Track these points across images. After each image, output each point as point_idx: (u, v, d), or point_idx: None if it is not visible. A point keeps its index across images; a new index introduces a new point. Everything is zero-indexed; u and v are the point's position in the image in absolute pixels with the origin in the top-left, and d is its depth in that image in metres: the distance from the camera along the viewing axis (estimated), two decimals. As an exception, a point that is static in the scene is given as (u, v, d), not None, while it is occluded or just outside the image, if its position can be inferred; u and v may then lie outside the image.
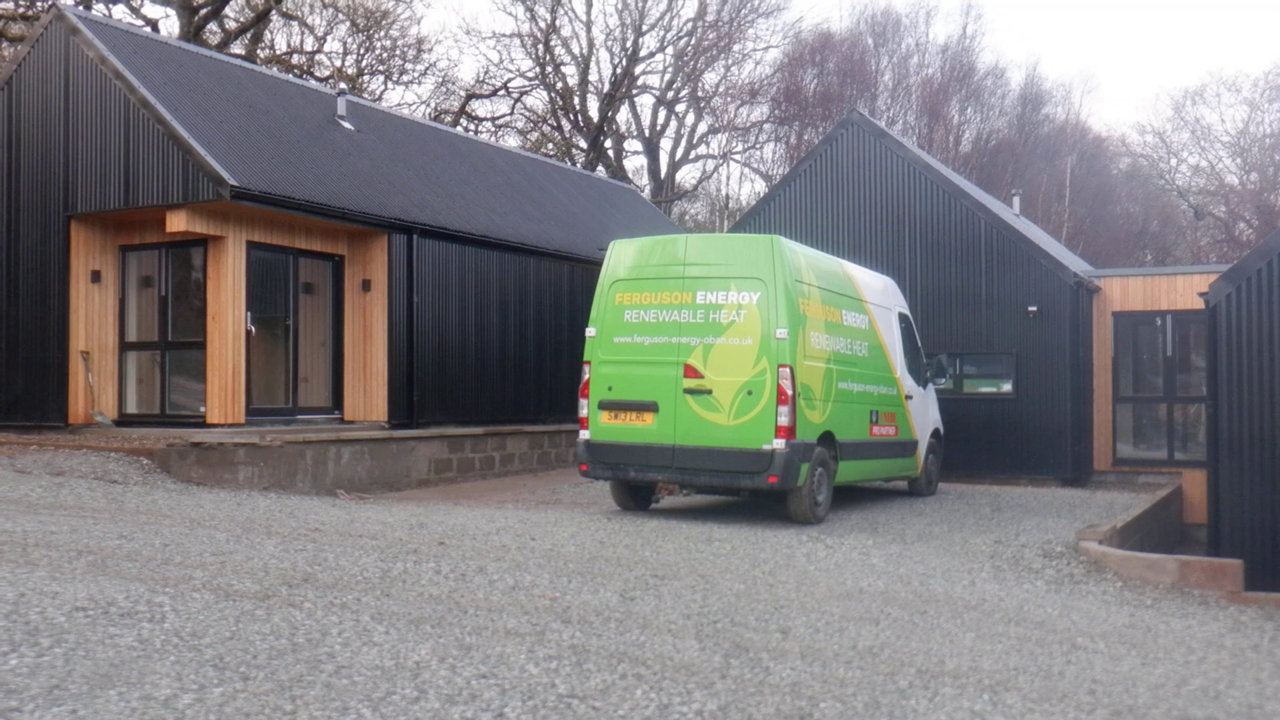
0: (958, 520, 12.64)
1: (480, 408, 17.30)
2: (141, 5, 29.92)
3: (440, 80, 37.77)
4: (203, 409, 14.15)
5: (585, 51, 39.77)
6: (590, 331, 11.96)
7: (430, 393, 16.35)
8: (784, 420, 10.93)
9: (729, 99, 42.36)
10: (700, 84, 41.81)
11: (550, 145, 39.55)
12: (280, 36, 34.99)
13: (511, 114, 39.17)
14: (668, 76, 41.66)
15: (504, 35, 46.39)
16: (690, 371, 11.33)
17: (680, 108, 43.01)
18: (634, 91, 41.14)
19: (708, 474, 11.40)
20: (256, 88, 16.97)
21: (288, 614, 5.99)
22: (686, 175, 45.01)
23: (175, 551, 7.70)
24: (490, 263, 17.65)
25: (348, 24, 34.04)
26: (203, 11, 28.85)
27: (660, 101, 42.26)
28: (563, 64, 39.69)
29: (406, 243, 16.00)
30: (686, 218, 45.64)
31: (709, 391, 11.22)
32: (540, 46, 38.62)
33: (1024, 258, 18.93)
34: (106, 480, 11.64)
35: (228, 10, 31.33)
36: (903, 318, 14.92)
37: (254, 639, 5.44)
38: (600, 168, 38.64)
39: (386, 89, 36.03)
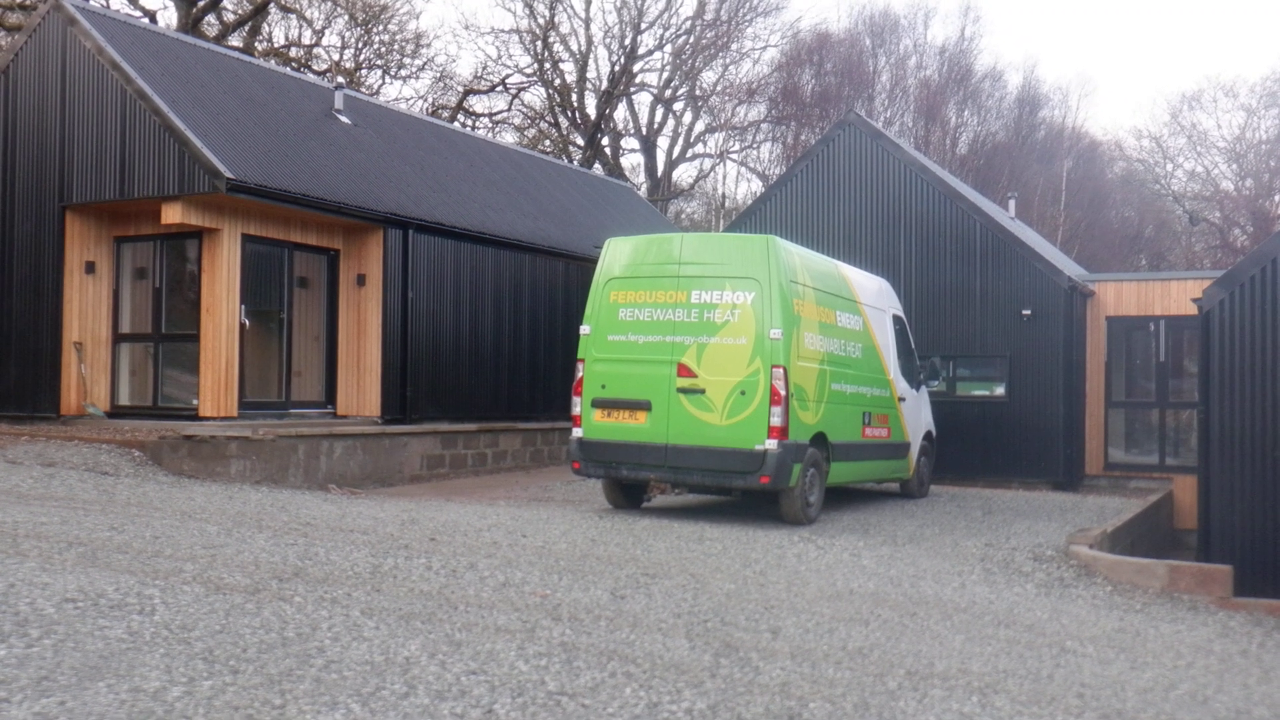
0: (949, 523, 12.66)
1: (473, 404, 17.29)
2: (139, -4, 29.83)
3: (438, 75, 37.74)
4: (195, 402, 14.13)
5: (583, 48, 39.78)
6: (584, 329, 11.95)
7: (423, 388, 16.34)
8: (777, 421, 10.94)
9: (726, 98, 42.38)
10: (698, 83, 41.82)
11: (547, 142, 39.52)
12: (278, 29, 34.96)
13: (509, 110, 39.16)
14: (666, 75, 41.68)
15: (503, 31, 46.31)
16: (684, 371, 11.33)
17: (678, 106, 43.03)
18: (632, 89, 41.13)
19: (700, 473, 11.41)
20: (254, 80, 16.94)
21: (278, 608, 5.99)
22: (683, 174, 45.06)
23: (166, 544, 7.70)
24: (485, 259, 17.64)
25: (346, 17, 34.00)
26: (201, 3, 28.81)
27: (658, 100, 42.26)
28: (561, 61, 39.70)
29: (402, 238, 15.99)
30: (683, 216, 45.63)
31: (702, 391, 11.23)
32: (539, 43, 38.61)
33: (1019, 261, 18.96)
34: (98, 472, 11.62)
35: (226, 2, 31.29)
36: (897, 319, 14.94)
37: (244, 633, 5.44)
38: (597, 165, 38.63)
39: (384, 83, 36.03)
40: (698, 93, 42.14)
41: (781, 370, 10.99)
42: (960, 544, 10.88)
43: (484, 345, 17.62)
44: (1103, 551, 10.79)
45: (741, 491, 12.35)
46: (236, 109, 15.46)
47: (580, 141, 39.58)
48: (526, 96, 39.83)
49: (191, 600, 6.01)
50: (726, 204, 46.02)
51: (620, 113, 42.25)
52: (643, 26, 39.78)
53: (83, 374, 14.81)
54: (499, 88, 38.28)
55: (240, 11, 31.59)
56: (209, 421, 13.72)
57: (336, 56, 34.10)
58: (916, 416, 15.09)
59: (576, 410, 11.84)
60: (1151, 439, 19.68)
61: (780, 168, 41.77)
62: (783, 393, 10.96)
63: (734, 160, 45.32)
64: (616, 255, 12.02)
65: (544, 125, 40.35)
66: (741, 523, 11.45)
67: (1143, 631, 7.73)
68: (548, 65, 39.01)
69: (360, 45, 34.65)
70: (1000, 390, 18.91)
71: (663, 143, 43.39)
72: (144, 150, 14.11)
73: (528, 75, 38.99)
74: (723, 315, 11.28)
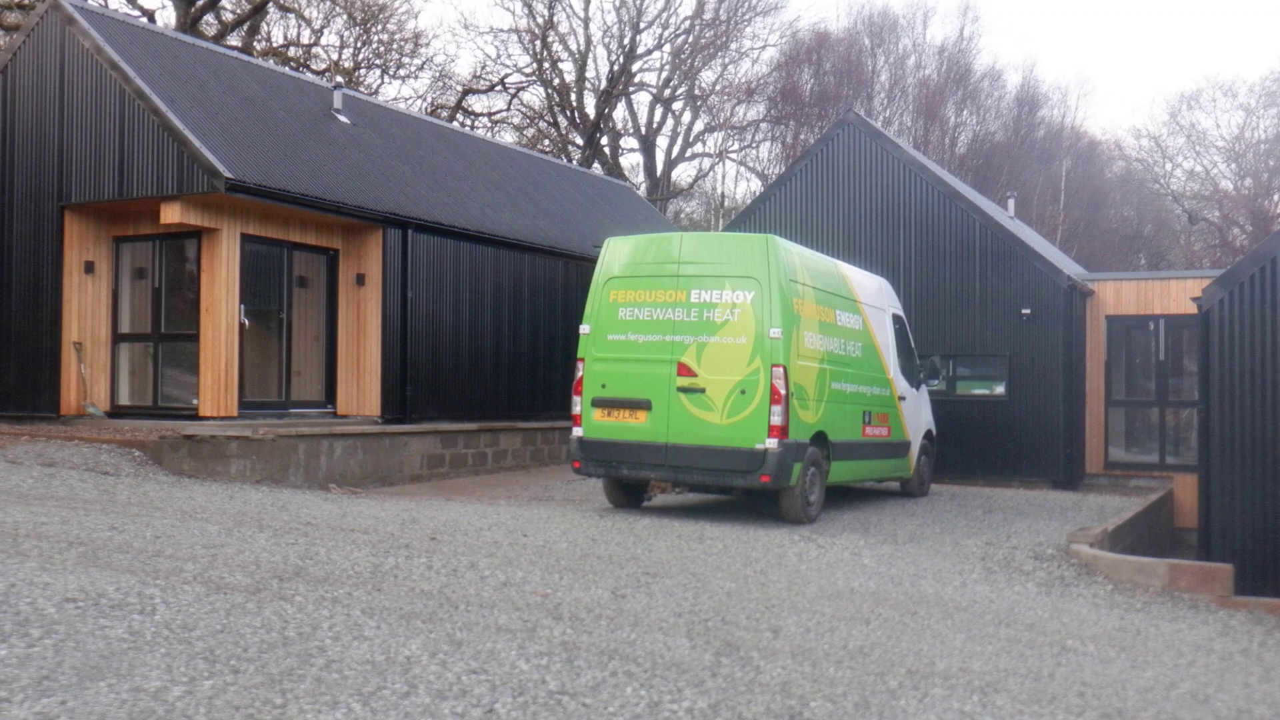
0: (949, 521, 12.66)
1: (473, 403, 17.29)
2: (138, -4, 29.82)
3: (437, 75, 37.75)
4: (195, 401, 14.12)
5: (582, 48, 39.78)
6: (584, 328, 11.95)
7: (423, 388, 16.33)
8: (777, 420, 10.93)
9: (725, 97, 42.38)
10: (697, 82, 41.81)
11: (546, 141, 39.51)
12: (277, 29, 34.95)
13: (508, 110, 39.16)
14: (665, 74, 41.67)
15: (502, 30, 46.26)
16: (684, 370, 11.33)
17: (677, 106, 43.02)
18: (631, 89, 41.11)
19: (700, 472, 11.40)
20: (253, 80, 16.93)
21: (279, 607, 5.99)
22: (682, 173, 45.05)
23: (166, 544, 7.69)
24: (485, 258, 17.63)
25: (345, 17, 34.00)
26: (199, 3, 28.79)
27: (657, 99, 42.25)
28: (560, 60, 39.70)
29: (401, 237, 15.98)
30: (682, 216, 45.63)
31: (702, 390, 11.22)
32: (538, 42, 38.60)
33: (1018, 260, 18.96)
34: (98, 472, 11.62)
35: (224, 2, 31.27)
36: (897, 319, 14.93)
37: (245, 632, 5.43)
38: (596, 165, 38.62)
39: (383, 83, 36.03)
40: (697, 92, 42.15)
41: (781, 369, 10.99)
42: (961, 543, 10.88)
43: (484, 344, 17.61)
44: (1103, 550, 10.79)
45: (742, 490, 12.34)
46: (235, 109, 15.45)
47: (579, 141, 39.58)
48: (525, 96, 39.88)
49: (192, 600, 6.01)
50: (726, 203, 46.04)
51: (619, 112, 42.29)
52: (641, 26, 39.80)
53: (82, 374, 14.80)
54: (498, 87, 38.28)
55: (239, 11, 31.58)
56: (209, 421, 13.71)
57: (335, 56, 34.12)
58: (916, 415, 15.09)
59: (576, 409, 11.84)
60: (1151, 438, 19.69)
61: (779, 167, 41.77)
62: (783, 392, 10.96)
63: (733, 160, 45.37)
64: (616, 254, 12.02)
65: (543, 125, 40.35)
66: (742, 522, 11.44)
67: (1143, 630, 7.73)
68: (547, 65, 39.01)
69: (359, 45, 34.67)
70: (1000, 389, 18.92)
71: (662, 142, 43.45)
72: (143, 150, 14.10)
73: (527, 75, 39.01)
74: (722, 314, 11.27)
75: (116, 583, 6.24)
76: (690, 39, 40.82)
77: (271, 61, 27.36)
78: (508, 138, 37.48)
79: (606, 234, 16.14)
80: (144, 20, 23.92)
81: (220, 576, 6.71)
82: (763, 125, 43.37)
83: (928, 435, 15.67)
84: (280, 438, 13.60)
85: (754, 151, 45.02)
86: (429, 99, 37.22)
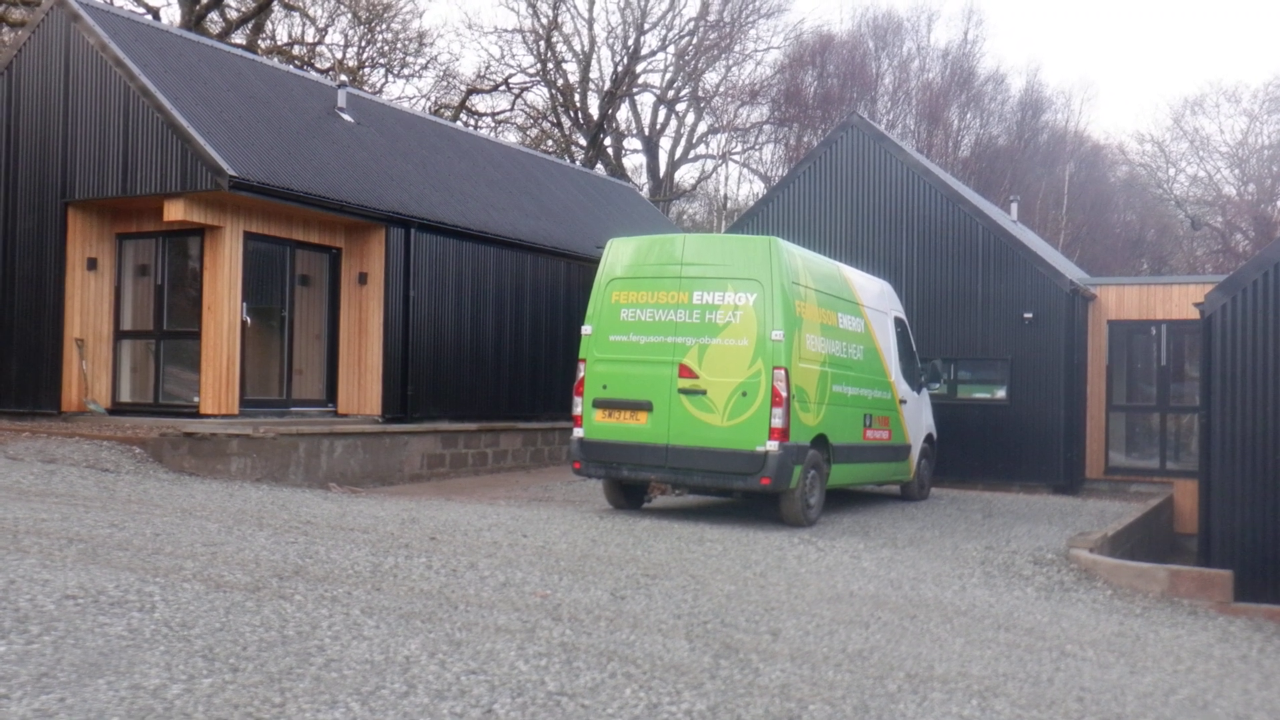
0: (949, 525, 12.66)
1: (474, 403, 17.29)
2: (143, -7, 29.82)
3: (441, 74, 37.76)
4: (196, 399, 14.13)
5: (586, 49, 39.77)
6: (586, 329, 11.95)
7: (424, 387, 16.33)
8: (778, 422, 10.93)
9: (729, 99, 42.36)
10: (701, 84, 41.82)
11: (550, 142, 39.50)
12: (281, 27, 34.97)
13: (512, 110, 39.15)
14: (668, 75, 41.66)
15: (506, 30, 46.19)
16: (685, 371, 11.33)
17: (680, 107, 43.02)
18: (634, 90, 41.12)
19: (701, 474, 11.40)
20: (257, 78, 16.94)
21: (278, 606, 5.99)
22: (685, 175, 45.05)
23: (166, 541, 7.70)
24: (487, 258, 17.64)
25: (349, 16, 34.00)
26: (204, 0, 28.81)
27: (660, 100, 42.25)
28: (564, 61, 39.70)
29: (404, 236, 15.98)
30: (684, 217, 45.62)
31: (703, 392, 11.22)
32: (542, 43, 38.62)
33: (1020, 264, 18.95)
34: (98, 469, 11.62)
35: (229, 0, 31.28)
36: (898, 322, 14.93)
37: (244, 630, 5.44)
38: (599, 165, 38.61)
39: (387, 82, 36.01)
40: (700, 94, 42.14)
41: (783, 372, 10.99)
42: (960, 547, 10.87)
43: (485, 344, 17.62)
44: (1103, 555, 10.79)
45: (742, 493, 12.35)
46: (239, 106, 15.46)
47: (583, 141, 39.58)
48: (529, 96, 39.87)
49: (191, 598, 6.01)
50: (728, 205, 46.02)
51: (623, 113, 42.29)
52: (646, 27, 39.79)
53: (84, 370, 14.81)
54: (502, 87, 38.27)
55: (243, 9, 31.59)
56: (210, 419, 13.72)
57: (339, 55, 34.11)
58: (917, 419, 15.08)
59: (577, 410, 11.84)
60: (1152, 443, 19.67)
61: (782, 169, 41.77)
62: (784, 394, 10.96)
63: (736, 161, 45.34)
64: (619, 255, 12.02)
65: (547, 125, 40.35)
66: (742, 524, 11.44)
67: (1143, 636, 7.73)
68: (551, 65, 39.02)
69: (363, 44, 34.67)
70: (1001, 393, 18.90)
71: (665, 143, 43.43)
72: (147, 147, 14.11)
73: (531, 75, 39.01)
74: (724, 316, 11.28)
75: (116, 580, 6.24)
76: (694, 40, 40.83)
77: (276, 60, 27.38)
78: (511, 138, 37.49)
79: (609, 235, 16.14)
80: (149, 18, 23.92)
81: (220, 575, 6.71)
82: (766, 127, 43.36)
83: (928, 439, 15.66)
84: (281, 436, 13.60)
85: (757, 153, 45.04)
86: (433, 98, 37.23)
